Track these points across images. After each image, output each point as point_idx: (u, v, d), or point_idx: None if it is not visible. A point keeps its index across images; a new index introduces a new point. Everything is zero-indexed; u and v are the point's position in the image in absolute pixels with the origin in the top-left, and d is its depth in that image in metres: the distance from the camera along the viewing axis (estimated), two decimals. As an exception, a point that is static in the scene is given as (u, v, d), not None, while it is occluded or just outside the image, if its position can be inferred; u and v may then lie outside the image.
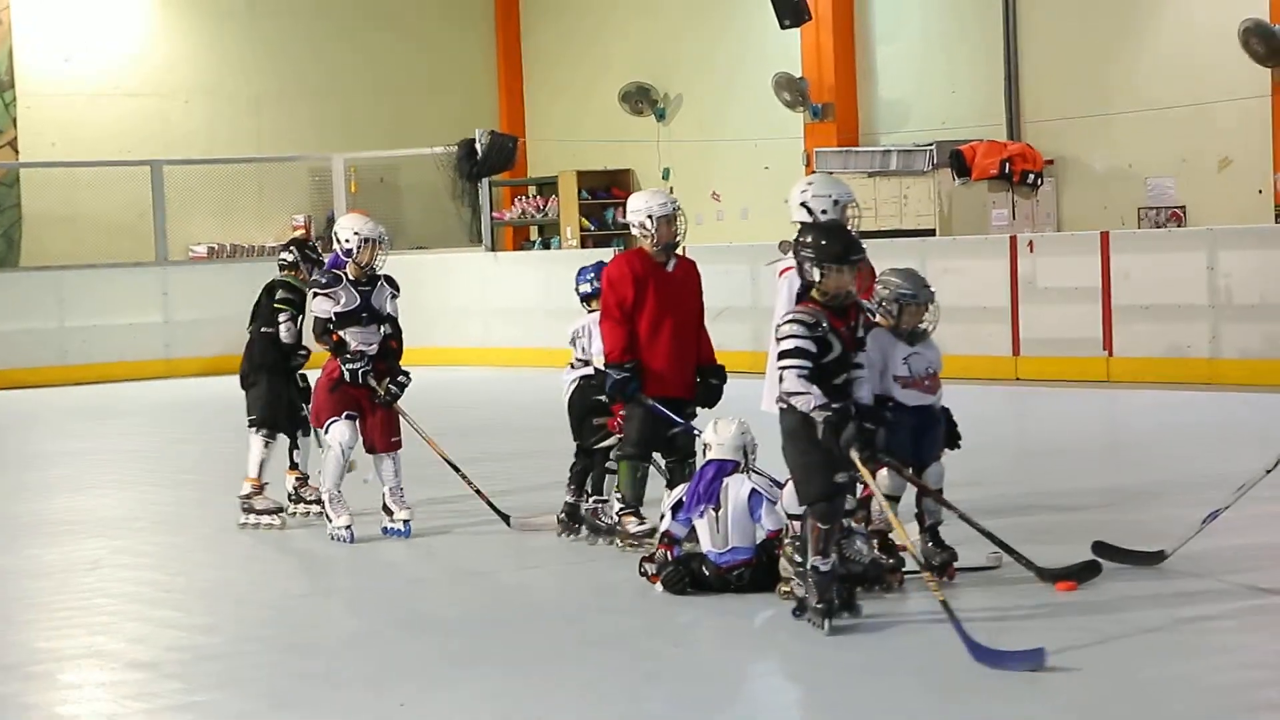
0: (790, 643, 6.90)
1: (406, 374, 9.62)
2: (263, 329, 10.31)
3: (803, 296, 7.17)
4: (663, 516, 7.91)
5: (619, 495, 8.91)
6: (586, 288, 9.30)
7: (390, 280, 9.68)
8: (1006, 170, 18.78)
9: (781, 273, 8.02)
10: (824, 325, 6.98)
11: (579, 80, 25.27)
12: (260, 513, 10.05)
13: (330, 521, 9.48)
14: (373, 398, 9.50)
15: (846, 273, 7.03)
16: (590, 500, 9.20)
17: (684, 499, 7.80)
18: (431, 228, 24.15)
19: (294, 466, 10.36)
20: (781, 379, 7.00)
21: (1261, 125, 17.63)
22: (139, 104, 23.92)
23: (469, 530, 9.68)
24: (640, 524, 8.74)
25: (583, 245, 23.58)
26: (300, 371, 10.35)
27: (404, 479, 9.57)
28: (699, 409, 8.84)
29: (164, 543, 9.86)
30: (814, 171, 19.15)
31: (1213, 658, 6.39)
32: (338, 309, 9.49)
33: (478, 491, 9.80)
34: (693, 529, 7.76)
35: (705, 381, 8.84)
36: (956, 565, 7.70)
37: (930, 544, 7.68)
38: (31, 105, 23.03)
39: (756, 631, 7.22)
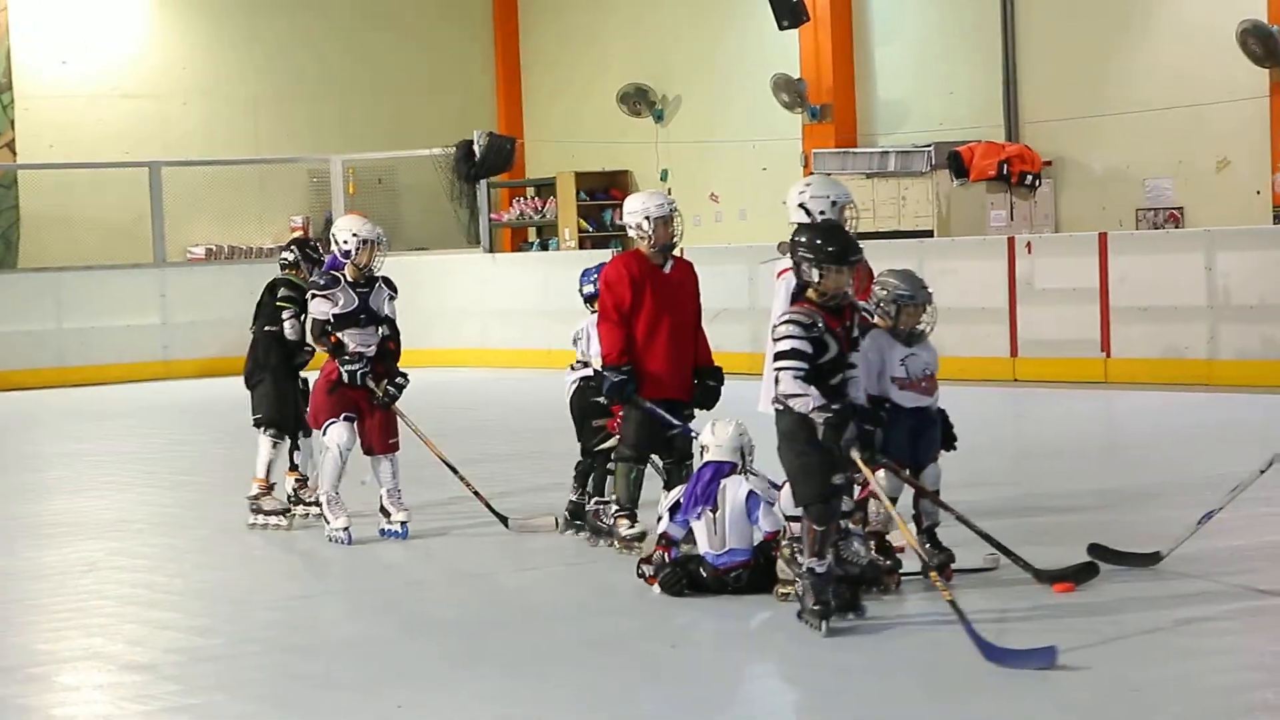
0: (787, 644, 6.90)
1: (404, 375, 9.62)
2: (266, 327, 10.30)
3: (798, 297, 7.17)
4: (660, 518, 7.92)
5: (615, 497, 8.91)
6: (590, 289, 9.29)
7: (388, 281, 9.68)
8: (1004, 171, 18.79)
9: (780, 274, 8.02)
10: (820, 326, 6.98)
11: (577, 81, 25.28)
12: (268, 513, 10.05)
13: (328, 523, 9.47)
14: (371, 399, 9.49)
15: (845, 273, 7.04)
16: (592, 501, 9.21)
17: (681, 500, 7.80)
18: (430, 229, 24.13)
19: (294, 468, 10.36)
20: (778, 381, 7.00)
21: (1259, 126, 17.64)
22: (137, 105, 23.93)
23: (467, 532, 9.68)
24: (632, 527, 8.74)
25: (581, 246, 23.58)
26: (300, 373, 10.35)
27: (402, 480, 9.56)
28: (697, 410, 8.84)
29: (161, 544, 9.85)
30: (812, 172, 19.14)
31: (1211, 659, 6.39)
32: (336, 310, 9.49)
33: (476, 493, 9.80)
34: (690, 531, 7.76)
35: (703, 383, 8.83)
36: (954, 567, 7.70)
37: (928, 545, 7.68)
38: (29, 107, 23.03)
39: (754, 633, 7.22)
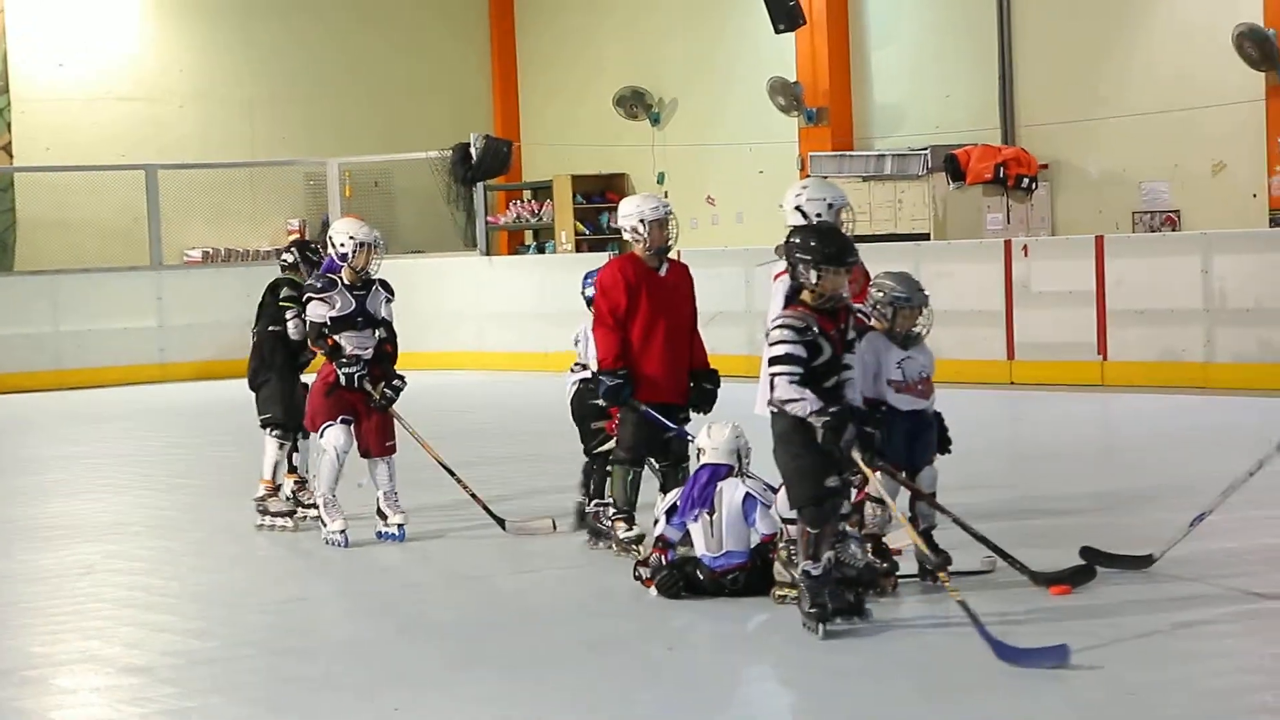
0: (784, 646, 6.90)
1: (401, 378, 9.62)
2: (270, 327, 10.30)
3: (792, 299, 7.16)
4: (656, 521, 7.92)
5: (612, 500, 8.91)
6: (592, 291, 9.27)
7: (385, 284, 9.68)
8: (1001, 174, 18.79)
9: (776, 276, 8.01)
10: (814, 329, 6.97)
11: (573, 84, 25.29)
12: (275, 515, 10.05)
13: (325, 526, 9.47)
14: (368, 402, 9.49)
15: (842, 275, 7.04)
16: (593, 503, 9.21)
17: (678, 503, 7.80)
18: (426, 232, 24.12)
19: (292, 470, 10.36)
20: (773, 386, 6.99)
21: (1255, 129, 17.65)
22: (133, 108, 23.92)
23: (464, 534, 9.68)
24: (629, 529, 8.74)
25: (577, 249, 23.59)
26: (300, 375, 10.35)
27: (399, 483, 9.56)
28: (693, 413, 8.84)
29: (158, 547, 9.85)
30: (808, 176, 19.15)
31: (1208, 661, 6.39)
32: (333, 313, 9.49)
33: (473, 495, 9.80)
34: (687, 533, 7.76)
35: (699, 386, 8.83)
36: (950, 569, 7.69)
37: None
38: (25, 110, 23.02)
39: (751, 635, 7.22)
